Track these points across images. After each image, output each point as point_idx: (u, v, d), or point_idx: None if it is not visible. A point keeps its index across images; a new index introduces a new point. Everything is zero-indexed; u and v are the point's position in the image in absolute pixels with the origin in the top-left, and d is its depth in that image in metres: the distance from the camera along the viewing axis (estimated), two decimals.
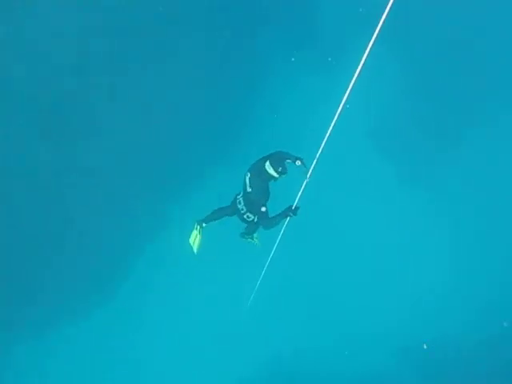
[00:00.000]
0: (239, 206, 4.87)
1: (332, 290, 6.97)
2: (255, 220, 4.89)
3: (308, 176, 4.07)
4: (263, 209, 4.53)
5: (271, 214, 4.58)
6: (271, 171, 4.39)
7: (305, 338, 6.98)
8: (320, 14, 7.54)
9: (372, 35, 2.41)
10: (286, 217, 4.47)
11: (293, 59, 7.38)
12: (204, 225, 5.20)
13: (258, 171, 4.52)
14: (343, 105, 3.02)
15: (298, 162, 4.34)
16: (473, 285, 6.95)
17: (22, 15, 6.60)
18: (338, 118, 3.17)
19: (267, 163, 4.41)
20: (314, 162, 3.98)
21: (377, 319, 6.91)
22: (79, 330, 6.75)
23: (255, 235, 5.57)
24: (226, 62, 7.37)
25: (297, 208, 4.39)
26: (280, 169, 4.35)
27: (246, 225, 5.22)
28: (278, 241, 4.99)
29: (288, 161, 4.43)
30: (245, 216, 4.88)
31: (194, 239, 5.28)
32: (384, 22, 2.33)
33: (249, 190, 4.60)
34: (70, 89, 6.73)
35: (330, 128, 3.31)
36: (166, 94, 7.13)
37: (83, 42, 6.77)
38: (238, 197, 4.90)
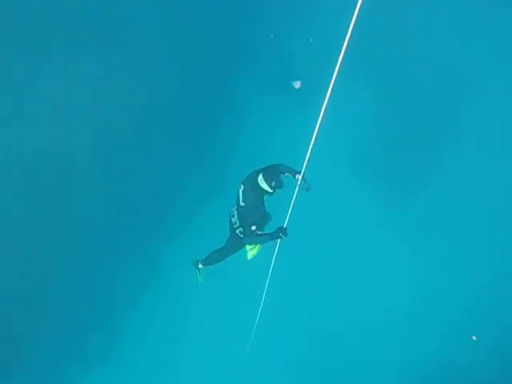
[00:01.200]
0: (232, 220, 4.55)
1: (326, 320, 6.82)
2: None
3: (307, 189, 3.83)
4: (253, 227, 4.22)
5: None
6: (264, 185, 4.07)
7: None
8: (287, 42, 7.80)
9: (337, 61, 2.52)
10: (276, 238, 4.14)
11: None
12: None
13: (251, 184, 4.20)
14: (317, 133, 3.07)
15: (298, 176, 3.98)
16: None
17: None
18: (313, 146, 3.22)
19: (260, 177, 4.09)
20: (296, 191, 3.87)
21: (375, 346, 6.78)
22: None
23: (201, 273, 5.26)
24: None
25: (286, 228, 4.07)
26: (274, 183, 4.04)
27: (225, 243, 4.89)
28: (269, 276, 4.78)
29: (287, 174, 4.18)
30: (237, 231, 4.52)
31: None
32: (348, 46, 2.44)
33: (242, 204, 4.27)
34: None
35: (307, 156, 3.34)
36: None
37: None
38: (233, 209, 4.57)
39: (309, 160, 3.38)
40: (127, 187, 6.84)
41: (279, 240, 4.23)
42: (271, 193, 4.16)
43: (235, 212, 4.51)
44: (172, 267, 6.77)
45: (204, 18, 7.65)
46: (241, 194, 4.30)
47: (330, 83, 2.65)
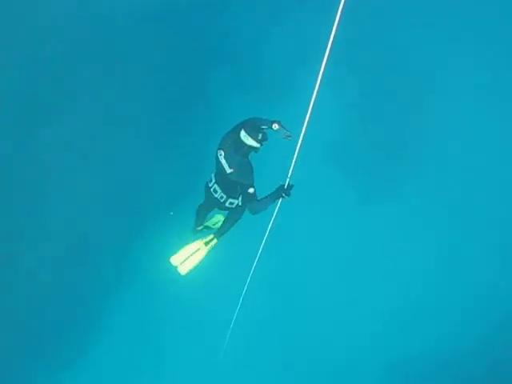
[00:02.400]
0: (216, 196, 4.11)
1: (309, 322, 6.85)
2: (239, 203, 4.13)
3: (289, 137, 3.46)
4: (251, 190, 3.74)
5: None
6: (250, 141, 3.63)
7: None
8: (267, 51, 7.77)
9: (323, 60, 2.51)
10: (278, 198, 3.67)
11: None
12: (200, 228, 4.64)
13: (233, 145, 3.72)
14: (303, 134, 3.02)
15: (276, 126, 3.67)
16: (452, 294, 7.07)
17: None
18: (300, 146, 3.16)
19: (242, 133, 3.64)
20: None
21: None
22: None
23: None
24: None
25: (290, 186, 3.61)
26: (260, 135, 3.61)
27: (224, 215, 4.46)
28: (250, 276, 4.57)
29: (264, 127, 3.75)
30: (227, 204, 4.13)
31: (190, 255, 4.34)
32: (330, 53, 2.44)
33: (229, 170, 3.76)
34: None
35: (295, 157, 3.24)
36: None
37: None
38: (211, 184, 4.15)
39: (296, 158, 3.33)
40: (106, 187, 6.71)
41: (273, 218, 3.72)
42: (258, 148, 3.74)
43: (216, 187, 4.10)
44: (146, 268, 6.64)
45: (185, 13, 7.57)
46: (223, 160, 3.80)
47: (316, 82, 2.63)
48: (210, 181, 4.18)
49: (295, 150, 3.15)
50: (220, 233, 4.48)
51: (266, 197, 3.74)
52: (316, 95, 2.69)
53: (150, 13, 7.40)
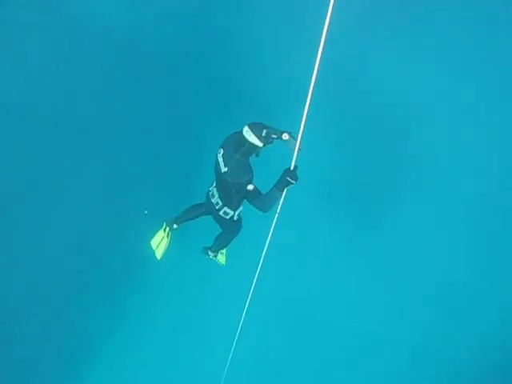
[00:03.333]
0: (213, 200, 3.89)
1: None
2: (234, 217, 3.93)
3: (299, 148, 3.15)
4: (250, 187, 3.47)
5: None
6: (252, 138, 3.36)
7: None
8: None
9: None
10: (285, 185, 3.31)
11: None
12: (175, 226, 4.28)
13: (234, 143, 3.50)
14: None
15: (286, 136, 3.34)
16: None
17: None
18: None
19: (246, 128, 3.38)
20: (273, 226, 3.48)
21: None
22: None
23: (223, 251, 4.68)
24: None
25: (296, 167, 3.25)
26: (264, 132, 3.34)
27: (220, 229, 4.22)
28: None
29: (274, 136, 3.44)
30: (221, 213, 3.88)
31: (159, 242, 4.34)
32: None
33: (224, 169, 3.51)
34: None
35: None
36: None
37: None
38: (211, 188, 3.93)
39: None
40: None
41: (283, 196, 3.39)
42: (259, 149, 3.46)
43: (214, 191, 3.89)
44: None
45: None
46: (221, 159, 3.57)
47: (302, 117, 2.69)
48: (211, 184, 4.00)
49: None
50: (215, 249, 4.56)
51: (272, 188, 3.42)
52: (304, 126, 2.76)
53: (156, 47, 7.50)
